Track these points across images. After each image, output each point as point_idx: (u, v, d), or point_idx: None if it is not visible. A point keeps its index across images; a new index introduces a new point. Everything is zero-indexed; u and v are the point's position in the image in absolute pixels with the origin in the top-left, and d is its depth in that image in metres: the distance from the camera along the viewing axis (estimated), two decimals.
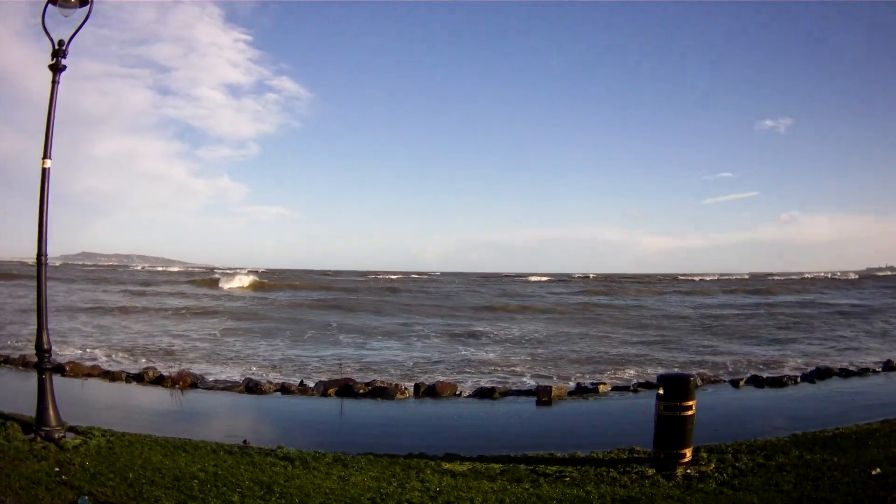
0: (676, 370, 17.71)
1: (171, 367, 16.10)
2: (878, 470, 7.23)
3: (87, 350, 19.37)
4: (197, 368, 16.30)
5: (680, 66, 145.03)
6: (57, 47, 7.29)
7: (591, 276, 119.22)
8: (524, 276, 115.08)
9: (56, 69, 7.35)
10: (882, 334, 27.60)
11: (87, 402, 11.33)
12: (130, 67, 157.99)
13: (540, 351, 22.21)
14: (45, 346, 7.41)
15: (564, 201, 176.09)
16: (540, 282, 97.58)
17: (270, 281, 67.60)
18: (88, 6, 7.21)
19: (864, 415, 10.98)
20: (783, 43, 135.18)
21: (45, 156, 7.26)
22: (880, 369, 16.88)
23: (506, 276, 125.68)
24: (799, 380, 15.14)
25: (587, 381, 14.90)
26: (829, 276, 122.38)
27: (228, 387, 13.70)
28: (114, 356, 18.62)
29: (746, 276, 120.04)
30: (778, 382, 14.74)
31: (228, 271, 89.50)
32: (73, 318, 28.83)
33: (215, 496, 6.11)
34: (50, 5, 7.09)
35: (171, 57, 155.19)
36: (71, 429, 7.60)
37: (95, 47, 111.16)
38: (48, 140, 7.26)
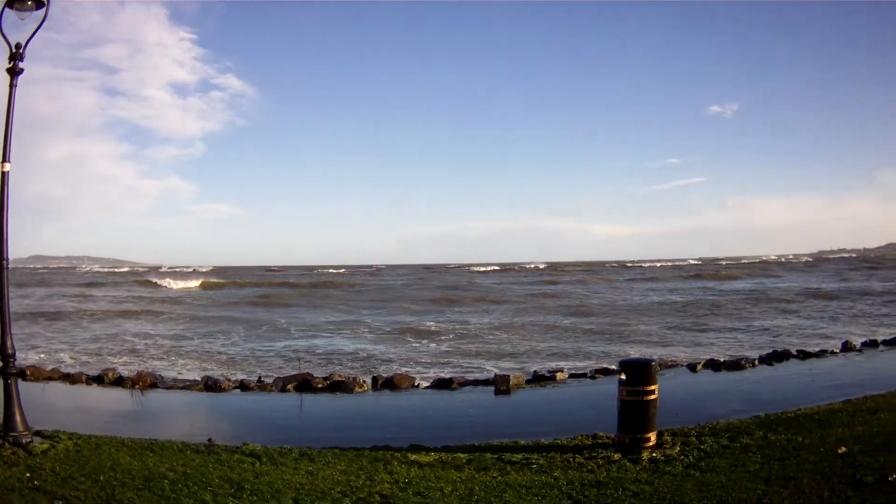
0: (636, 355, 18.01)
1: (130, 367, 15.98)
2: (844, 448, 7.35)
3: (47, 354, 19.13)
4: (154, 367, 16.20)
5: (625, 53, 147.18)
6: (14, 50, 7.22)
7: (542, 265, 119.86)
8: (475, 267, 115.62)
9: (14, 73, 7.26)
10: (833, 318, 28.10)
11: (49, 406, 11.20)
12: (78, 70, 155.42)
13: (493, 341, 22.49)
14: (10, 351, 7.33)
15: (514, 193, 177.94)
16: (491, 272, 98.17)
17: (219, 279, 66.98)
18: (45, 7, 7.15)
19: (826, 395, 11.20)
20: (729, 28, 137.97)
21: (4, 159, 7.20)
22: (838, 350, 17.13)
23: (456, 267, 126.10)
24: (757, 362, 15.36)
25: (544, 370, 15.04)
26: (783, 259, 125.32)
27: (188, 385, 13.65)
28: (73, 358, 18.47)
29: (698, 262, 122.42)
30: (736, 365, 14.97)
31: (176, 270, 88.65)
32: (33, 322, 28.32)
33: (187, 496, 6.12)
34: (7, 9, 7.03)
35: (118, 58, 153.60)
36: (37, 433, 7.51)
37: (44, 51, 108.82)
38: (6, 144, 7.19)
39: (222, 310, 36.93)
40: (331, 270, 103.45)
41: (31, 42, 7.34)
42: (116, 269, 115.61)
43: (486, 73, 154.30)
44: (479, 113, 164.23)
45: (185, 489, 6.30)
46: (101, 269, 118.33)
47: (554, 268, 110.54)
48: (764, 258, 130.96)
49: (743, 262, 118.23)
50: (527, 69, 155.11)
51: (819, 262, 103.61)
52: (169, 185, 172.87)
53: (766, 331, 24.35)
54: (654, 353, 19.06)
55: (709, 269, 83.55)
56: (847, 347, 17.35)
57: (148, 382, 13.51)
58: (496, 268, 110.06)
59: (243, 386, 13.54)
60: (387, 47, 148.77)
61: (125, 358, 18.71)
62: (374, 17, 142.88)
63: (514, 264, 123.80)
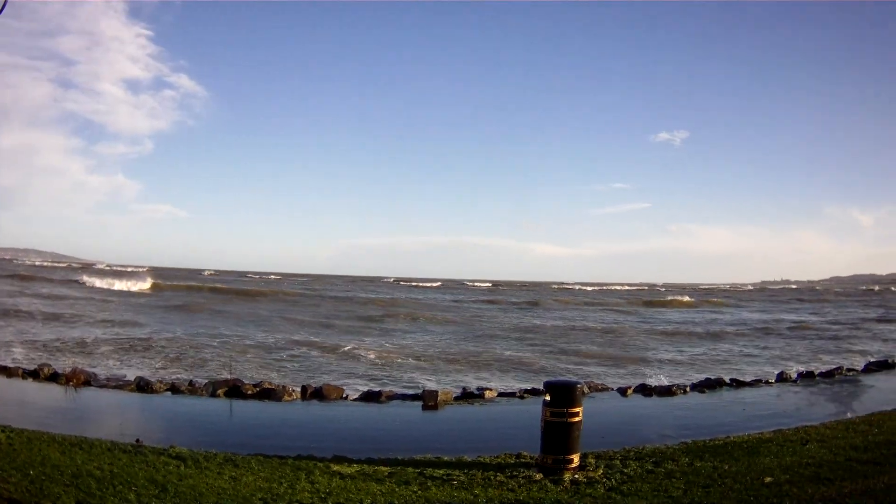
0: (563, 377, 17.91)
1: (66, 364, 15.93)
2: (771, 478, 7.43)
3: None
4: (85, 365, 16.15)
5: (575, 77, 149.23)
6: None
7: (487, 283, 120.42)
8: (414, 282, 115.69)
9: None
10: (767, 348, 28.08)
11: None
12: (35, 59, 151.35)
13: (425, 356, 22.57)
14: None
15: (456, 209, 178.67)
16: (433, 287, 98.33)
17: (161, 281, 65.79)
18: None
19: (757, 424, 11.36)
20: (680, 56, 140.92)
21: None
22: (773, 380, 17.31)
23: (396, 280, 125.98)
24: (688, 389, 15.42)
25: (473, 387, 15.18)
26: (730, 287, 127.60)
27: (120, 385, 13.73)
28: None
29: (643, 287, 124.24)
30: (667, 391, 15.02)
31: (109, 269, 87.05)
32: None
33: (112, 494, 6.25)
34: None
35: (75, 50, 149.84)
36: None
37: (2, 37, 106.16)
38: None
39: (158, 312, 36.62)
40: (271, 276, 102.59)
41: None
42: (56, 264, 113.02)
43: (432, 87, 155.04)
44: (428, 127, 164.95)
45: (110, 488, 6.41)
46: (41, 264, 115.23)
47: (498, 286, 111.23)
48: (706, 286, 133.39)
49: (689, 289, 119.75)
50: (474, 85, 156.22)
51: (760, 291, 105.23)
52: (116, 182, 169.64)
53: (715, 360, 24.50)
54: (593, 373, 19.51)
55: (648, 296, 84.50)
56: (782, 378, 17.52)
57: (82, 380, 13.59)
58: (437, 284, 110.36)
59: (174, 388, 13.64)
60: (340, 54, 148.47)
61: (59, 355, 18.62)
62: (328, 24, 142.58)
63: (457, 281, 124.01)
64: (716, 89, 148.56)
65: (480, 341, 28.51)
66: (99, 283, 58.11)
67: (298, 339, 25.70)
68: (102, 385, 13.74)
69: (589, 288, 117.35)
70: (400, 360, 21.08)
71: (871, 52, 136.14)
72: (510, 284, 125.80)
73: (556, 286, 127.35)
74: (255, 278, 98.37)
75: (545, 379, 11.10)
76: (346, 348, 23.31)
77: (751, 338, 32.94)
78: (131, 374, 15.27)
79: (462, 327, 35.30)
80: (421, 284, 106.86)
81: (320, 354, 21.73)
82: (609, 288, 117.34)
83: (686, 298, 71.89)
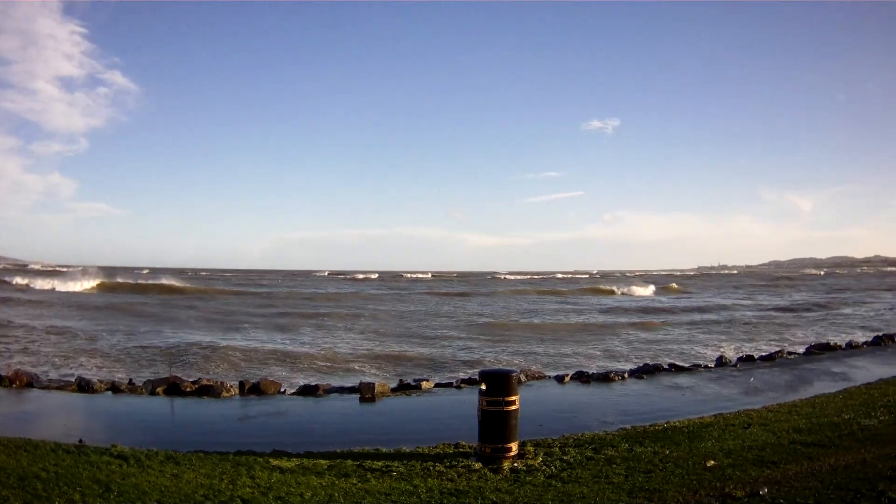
0: (498, 366, 18.21)
1: (8, 365, 15.94)
2: (714, 462, 7.59)
3: None
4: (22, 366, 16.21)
5: (505, 64, 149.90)
6: None
7: (427, 274, 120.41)
8: (353, 274, 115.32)
9: None
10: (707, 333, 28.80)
11: None
12: None
13: (361, 348, 22.91)
14: None
15: (387, 202, 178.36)
16: (368, 280, 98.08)
17: (106, 280, 64.54)
18: None
19: (698, 409, 11.58)
20: (610, 43, 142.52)
21: None
22: (713, 365, 17.49)
23: (331, 273, 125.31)
24: (626, 376, 15.52)
25: (410, 378, 15.38)
26: (667, 273, 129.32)
27: (62, 386, 13.80)
28: None
29: (585, 275, 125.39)
30: (605, 378, 15.13)
31: (43, 269, 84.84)
32: None
33: (58, 495, 6.35)
34: None
35: (11, 49, 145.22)
36: None
37: None
38: None
39: (90, 311, 36.31)
40: (202, 273, 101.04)
41: None
42: None
43: (364, 78, 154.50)
44: (360, 119, 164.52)
45: (56, 489, 6.51)
46: None
47: (439, 278, 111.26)
48: (642, 272, 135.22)
49: (628, 275, 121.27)
50: (405, 76, 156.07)
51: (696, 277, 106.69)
52: (52, 181, 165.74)
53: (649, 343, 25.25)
54: (537, 360, 19.91)
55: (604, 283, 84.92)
56: (722, 362, 17.68)
57: (24, 381, 13.66)
58: (375, 276, 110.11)
59: (115, 387, 13.73)
60: (275, 48, 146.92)
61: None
62: (262, 17, 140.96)
63: (395, 273, 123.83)
64: (647, 76, 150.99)
65: (418, 332, 28.96)
66: (38, 283, 56.66)
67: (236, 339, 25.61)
68: (44, 386, 13.79)
69: (523, 276, 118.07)
70: (335, 355, 21.18)
71: (806, 36, 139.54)
72: (447, 274, 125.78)
73: (489, 276, 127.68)
74: (189, 275, 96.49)
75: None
76: (281, 344, 23.53)
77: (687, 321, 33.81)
78: (72, 375, 15.34)
79: (397, 319, 35.97)
80: (358, 277, 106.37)
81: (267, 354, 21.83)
82: (547, 277, 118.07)
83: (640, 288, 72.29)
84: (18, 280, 59.73)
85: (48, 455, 7.88)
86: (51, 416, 11.52)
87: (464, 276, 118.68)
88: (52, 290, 53.57)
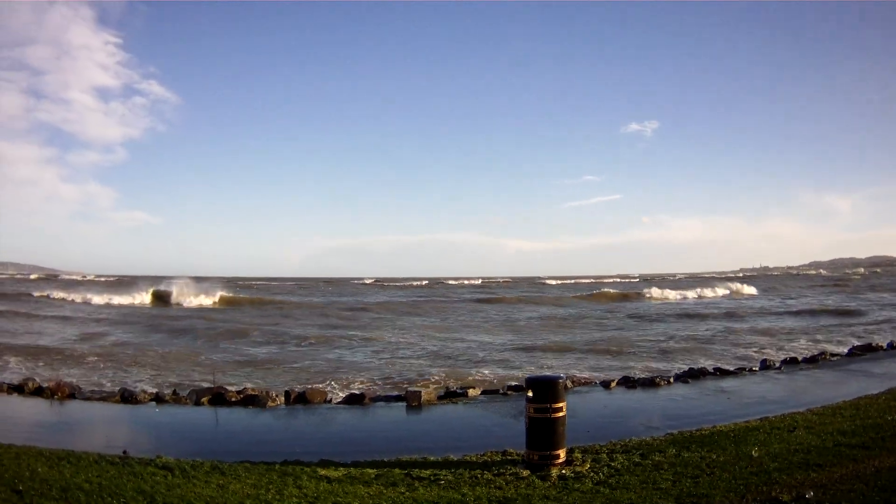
0: (546, 373, 18.23)
1: (50, 377, 15.96)
2: (757, 467, 7.56)
3: None
4: (73, 377, 16.34)
5: (544, 70, 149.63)
6: None
7: (477, 280, 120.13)
8: (394, 282, 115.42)
9: None
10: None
11: None
12: (5, 70, 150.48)
13: (406, 356, 22.85)
14: None
15: (425, 208, 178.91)
16: (416, 287, 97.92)
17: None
18: None
19: (743, 413, 11.45)
20: (647, 46, 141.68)
21: None
22: (757, 368, 17.35)
23: (376, 280, 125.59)
24: (672, 380, 15.38)
25: (456, 386, 15.17)
26: (715, 275, 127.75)
27: (105, 397, 13.70)
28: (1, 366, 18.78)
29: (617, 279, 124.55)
30: (650, 383, 15.00)
31: (65, 279, 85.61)
32: None
33: None
34: None
35: (44, 59, 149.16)
36: None
37: None
38: None
39: (138, 321, 36.25)
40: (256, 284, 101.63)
41: None
42: (29, 277, 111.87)
43: (404, 87, 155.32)
44: (399, 128, 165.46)
45: (99, 500, 6.42)
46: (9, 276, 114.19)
47: (490, 283, 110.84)
48: (683, 275, 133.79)
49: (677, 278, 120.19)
50: (445, 83, 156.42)
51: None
52: (89, 190, 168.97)
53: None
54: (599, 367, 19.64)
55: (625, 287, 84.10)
56: (766, 365, 17.56)
57: (66, 392, 13.58)
58: (425, 282, 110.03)
59: (158, 398, 13.62)
60: (313, 57, 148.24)
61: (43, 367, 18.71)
62: (296, 24, 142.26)
63: (436, 279, 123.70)
64: (685, 79, 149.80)
65: (466, 339, 28.53)
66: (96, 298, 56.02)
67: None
68: (87, 397, 13.70)
69: (570, 281, 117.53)
70: (382, 364, 21.13)
71: (843, 36, 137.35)
72: (504, 280, 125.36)
73: (531, 279, 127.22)
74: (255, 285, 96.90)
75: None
76: (331, 353, 23.31)
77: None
78: (116, 386, 15.27)
79: (445, 327, 35.49)
80: (407, 285, 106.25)
81: (304, 360, 21.60)
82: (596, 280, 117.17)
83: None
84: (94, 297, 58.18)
85: (91, 466, 7.77)
86: (93, 427, 11.41)
87: (516, 282, 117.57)
88: (107, 304, 52.85)
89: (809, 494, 6.31)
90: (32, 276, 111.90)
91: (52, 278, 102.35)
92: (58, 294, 56.32)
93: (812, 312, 41.17)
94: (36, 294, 56.97)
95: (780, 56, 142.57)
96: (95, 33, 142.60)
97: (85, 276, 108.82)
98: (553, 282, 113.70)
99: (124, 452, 8.76)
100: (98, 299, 52.30)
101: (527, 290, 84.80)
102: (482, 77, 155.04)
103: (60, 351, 22.33)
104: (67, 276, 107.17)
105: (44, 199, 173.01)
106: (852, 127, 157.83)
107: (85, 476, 7.30)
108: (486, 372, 19.29)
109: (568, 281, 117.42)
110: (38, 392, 13.75)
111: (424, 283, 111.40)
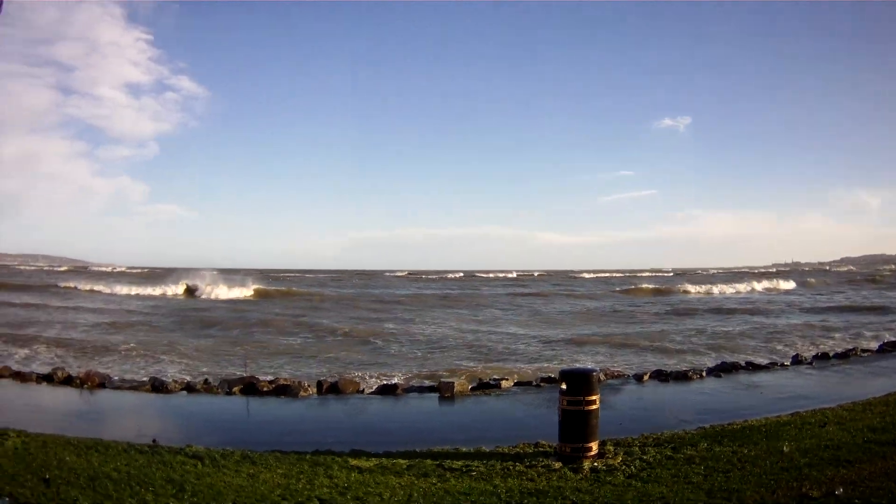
0: (578, 365, 17.96)
1: (80, 366, 16.02)
2: (789, 462, 7.50)
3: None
4: (103, 367, 16.37)
5: (577, 64, 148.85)
6: None
7: (513, 273, 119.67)
8: (426, 274, 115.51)
9: None
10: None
11: None
12: (33, 66, 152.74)
13: (440, 347, 22.80)
14: None
15: (455, 200, 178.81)
16: (453, 280, 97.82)
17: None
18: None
19: (775, 408, 11.27)
20: (681, 41, 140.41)
21: None
22: (789, 363, 17.15)
23: (410, 273, 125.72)
24: (704, 374, 15.21)
25: (489, 377, 14.99)
26: (749, 270, 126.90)
27: (135, 386, 13.66)
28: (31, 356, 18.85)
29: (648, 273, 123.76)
30: (683, 377, 14.85)
31: (95, 270, 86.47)
32: None
33: (130, 495, 6.23)
34: None
35: (73, 56, 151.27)
36: None
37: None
38: None
39: (168, 312, 36.46)
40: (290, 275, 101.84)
41: None
42: (57, 268, 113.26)
43: (435, 80, 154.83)
44: (430, 119, 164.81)
45: (127, 489, 6.39)
46: (38, 268, 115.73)
47: (525, 276, 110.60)
48: (715, 270, 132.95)
49: (698, 273, 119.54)
50: (478, 77, 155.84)
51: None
52: (121, 184, 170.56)
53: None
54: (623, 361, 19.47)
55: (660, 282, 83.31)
56: (798, 360, 17.41)
57: (96, 382, 13.54)
58: (460, 275, 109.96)
59: (189, 387, 13.58)
60: (345, 50, 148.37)
61: (78, 357, 18.83)
62: (329, 20, 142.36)
63: (469, 272, 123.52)
64: (718, 74, 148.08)
65: (499, 331, 28.30)
66: (126, 290, 55.71)
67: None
68: (117, 387, 13.67)
69: (605, 274, 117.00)
70: (413, 354, 21.19)
71: (874, 32, 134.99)
72: (540, 272, 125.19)
73: (564, 273, 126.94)
74: (288, 277, 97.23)
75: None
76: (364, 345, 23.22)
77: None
78: (146, 376, 15.24)
79: (478, 317, 35.10)
80: (441, 277, 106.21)
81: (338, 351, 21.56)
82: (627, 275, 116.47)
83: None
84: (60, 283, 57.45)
85: (120, 455, 7.72)
86: (123, 416, 11.36)
87: (550, 276, 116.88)
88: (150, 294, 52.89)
89: (839, 491, 6.29)
90: (62, 268, 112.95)
91: (81, 270, 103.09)
92: (85, 286, 56.23)
93: (843, 308, 40.20)
94: (62, 285, 57.01)
95: (810, 53, 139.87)
96: (126, 30, 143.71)
97: (115, 268, 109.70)
98: (587, 275, 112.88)
99: (154, 441, 8.68)
100: (128, 290, 52.57)
101: (561, 284, 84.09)
102: (515, 74, 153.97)
103: (91, 341, 22.45)
104: (97, 269, 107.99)
105: (75, 193, 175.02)
106: (884, 122, 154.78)
107: (114, 465, 7.25)
108: (520, 364, 19.12)
109: (602, 275, 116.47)
110: (68, 381, 13.72)
111: (459, 275, 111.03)
